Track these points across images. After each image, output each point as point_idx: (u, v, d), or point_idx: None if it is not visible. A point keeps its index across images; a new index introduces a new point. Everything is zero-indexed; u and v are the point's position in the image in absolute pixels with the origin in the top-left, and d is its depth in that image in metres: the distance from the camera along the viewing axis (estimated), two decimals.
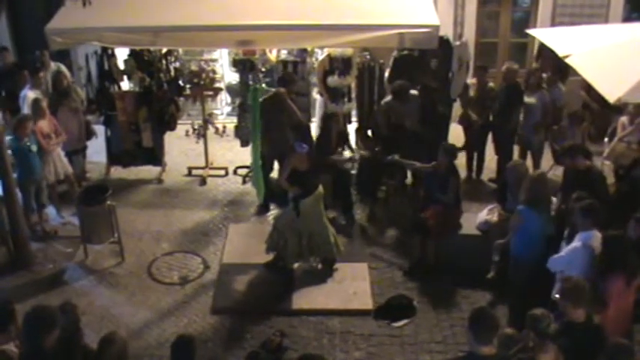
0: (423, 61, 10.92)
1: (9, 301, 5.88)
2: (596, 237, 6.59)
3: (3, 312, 5.57)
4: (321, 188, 8.66)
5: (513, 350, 5.43)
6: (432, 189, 8.96)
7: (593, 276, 6.30)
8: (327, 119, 10.30)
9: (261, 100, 9.86)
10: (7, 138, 8.93)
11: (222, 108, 13.45)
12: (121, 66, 11.59)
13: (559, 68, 10.68)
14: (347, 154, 10.46)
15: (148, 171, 11.65)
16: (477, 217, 8.95)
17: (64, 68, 11.46)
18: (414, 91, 10.34)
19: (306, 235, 8.64)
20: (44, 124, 9.77)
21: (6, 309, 5.62)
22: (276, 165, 10.27)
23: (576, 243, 6.63)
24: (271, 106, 9.82)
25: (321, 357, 5.41)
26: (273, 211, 10.35)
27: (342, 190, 10.15)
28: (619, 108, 9.95)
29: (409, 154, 10.64)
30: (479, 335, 5.06)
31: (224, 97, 13.56)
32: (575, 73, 8.89)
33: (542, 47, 11.50)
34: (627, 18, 12.57)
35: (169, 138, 11.93)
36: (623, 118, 10.30)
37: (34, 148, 9.32)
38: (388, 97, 10.48)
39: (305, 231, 8.63)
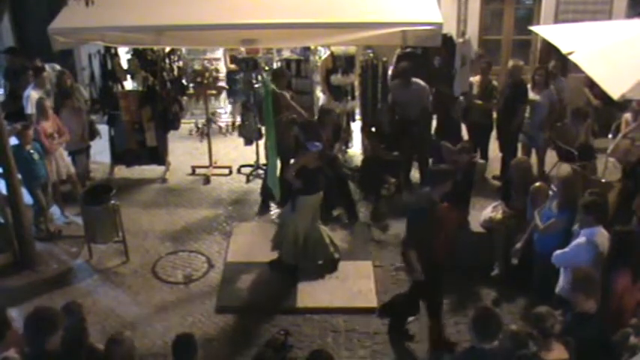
0: (427, 58, 10.92)
1: (1, 307, 5.86)
2: (600, 233, 6.58)
3: None
4: (321, 193, 8.70)
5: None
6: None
7: (598, 272, 6.30)
8: (322, 114, 10.11)
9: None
10: (12, 143, 8.92)
11: (226, 107, 13.45)
12: (125, 65, 11.59)
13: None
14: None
15: (152, 170, 11.66)
16: (481, 214, 8.94)
17: (58, 67, 11.43)
18: (419, 80, 10.36)
19: (302, 235, 8.67)
20: (47, 124, 9.80)
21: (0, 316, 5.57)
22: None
23: (580, 239, 6.63)
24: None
25: (330, 354, 5.41)
26: (276, 210, 10.37)
27: (341, 190, 10.14)
28: (623, 105, 9.93)
29: (413, 152, 10.71)
30: (482, 334, 5.07)
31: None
32: (578, 69, 8.86)
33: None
34: (631, 15, 12.52)
35: (173, 137, 11.95)
36: (627, 115, 10.28)
37: (37, 156, 9.35)
38: (395, 81, 10.63)
39: (301, 231, 8.66)
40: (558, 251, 6.81)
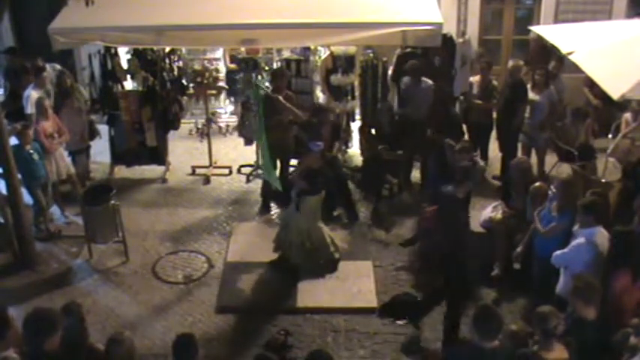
0: (427, 58, 10.93)
1: (3, 307, 5.85)
2: (600, 234, 6.58)
3: None
4: (322, 193, 8.70)
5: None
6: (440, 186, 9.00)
7: (597, 272, 6.30)
8: (317, 113, 10.03)
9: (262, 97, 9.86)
10: (12, 143, 8.91)
11: (226, 107, 13.46)
12: (125, 65, 11.59)
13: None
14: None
15: (152, 170, 11.65)
16: (481, 214, 8.94)
17: (58, 67, 11.44)
18: (427, 79, 10.39)
19: (305, 234, 8.67)
20: (47, 124, 9.80)
21: (1, 316, 5.51)
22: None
23: (580, 239, 6.62)
24: (269, 106, 9.77)
25: (329, 354, 5.41)
26: (276, 210, 10.37)
27: (340, 190, 10.13)
28: (622, 104, 9.94)
29: (414, 152, 10.70)
30: (483, 333, 5.07)
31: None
32: (578, 69, 8.87)
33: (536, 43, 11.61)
34: (631, 15, 12.53)
35: (173, 137, 11.95)
36: (627, 115, 10.30)
37: (36, 156, 9.34)
38: (405, 79, 10.59)
39: (305, 231, 8.66)
40: (558, 252, 6.81)
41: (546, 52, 11.21)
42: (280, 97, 9.83)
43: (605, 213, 6.99)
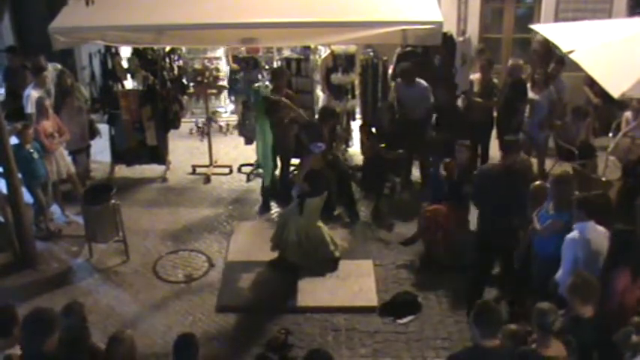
0: (427, 57, 10.93)
1: (11, 304, 5.82)
2: (592, 229, 6.54)
3: (5, 316, 5.42)
4: (325, 194, 8.70)
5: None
6: (441, 187, 9.01)
7: (593, 269, 6.28)
8: (325, 113, 9.87)
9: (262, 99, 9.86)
10: (12, 143, 8.92)
11: (226, 106, 13.47)
12: (125, 65, 11.59)
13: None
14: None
15: (152, 169, 11.65)
16: None
17: (59, 67, 11.44)
18: (421, 80, 10.37)
19: (303, 235, 8.67)
20: (48, 124, 9.80)
21: (8, 313, 5.47)
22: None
23: (572, 234, 6.58)
24: (271, 105, 9.76)
25: (328, 353, 5.42)
26: (276, 210, 10.37)
27: (343, 188, 10.12)
28: (623, 103, 9.94)
29: (414, 151, 10.70)
30: (484, 330, 5.08)
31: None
32: (579, 68, 8.87)
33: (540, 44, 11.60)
34: (631, 13, 12.54)
35: (173, 136, 11.94)
36: (627, 113, 10.29)
37: (36, 155, 9.35)
38: (397, 80, 10.63)
39: (303, 231, 8.66)
40: (558, 276, 6.73)
41: (548, 55, 11.20)
42: (284, 99, 9.78)
43: (606, 213, 6.96)
